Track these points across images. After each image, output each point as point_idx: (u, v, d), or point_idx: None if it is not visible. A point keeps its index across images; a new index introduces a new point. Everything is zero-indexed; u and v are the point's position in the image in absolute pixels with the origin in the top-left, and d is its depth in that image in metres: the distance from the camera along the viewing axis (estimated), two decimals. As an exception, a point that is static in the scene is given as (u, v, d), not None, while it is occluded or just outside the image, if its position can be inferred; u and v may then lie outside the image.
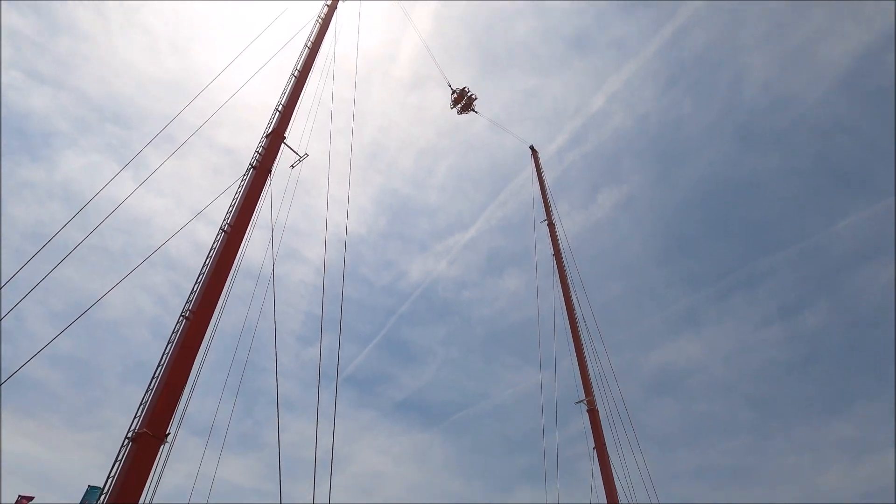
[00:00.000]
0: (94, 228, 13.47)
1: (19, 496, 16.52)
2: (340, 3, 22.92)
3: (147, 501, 11.25)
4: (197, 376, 13.18)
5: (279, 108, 17.67)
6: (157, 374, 12.08)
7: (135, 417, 11.63)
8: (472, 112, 35.20)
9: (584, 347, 29.15)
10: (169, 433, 11.62)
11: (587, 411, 26.28)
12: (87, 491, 15.71)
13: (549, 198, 35.13)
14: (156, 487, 11.83)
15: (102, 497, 10.68)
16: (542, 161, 38.30)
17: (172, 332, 12.86)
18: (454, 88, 34.49)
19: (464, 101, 34.57)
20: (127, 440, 11.28)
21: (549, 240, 33.74)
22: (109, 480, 10.88)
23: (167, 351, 12.50)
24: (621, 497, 24.09)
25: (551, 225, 33.88)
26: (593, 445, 25.37)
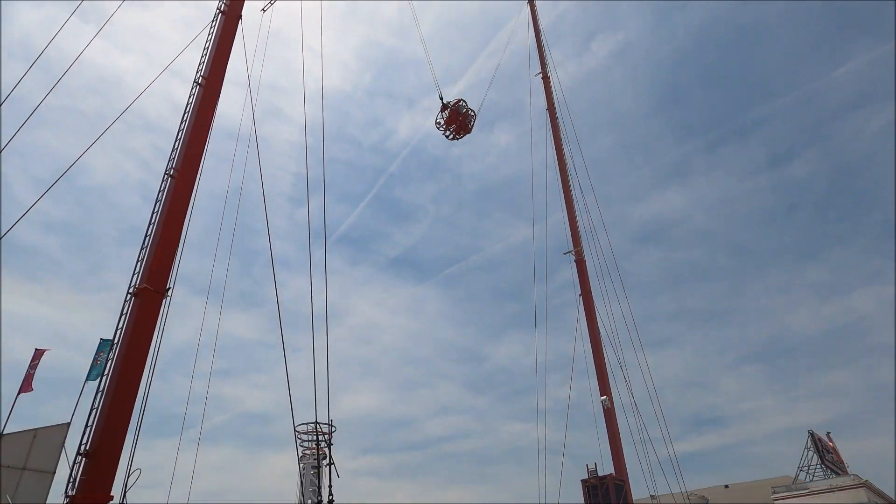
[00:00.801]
0: (58, 81, 12.80)
1: (36, 349, 17.41)
2: None
3: (155, 351, 11.91)
4: (186, 232, 13.32)
5: (245, -56, 15.94)
6: (149, 232, 12.18)
7: (134, 274, 11.91)
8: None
9: (575, 201, 29.51)
10: (169, 288, 11.98)
11: (575, 261, 27.27)
12: (99, 343, 16.50)
13: (545, 49, 33.42)
14: (161, 338, 12.47)
15: (114, 348, 11.26)
16: (536, 6, 35.86)
17: (159, 191, 12.78)
18: (445, 103, 24.15)
19: (458, 121, 24.19)
20: (129, 295, 11.64)
21: (541, 92, 32.67)
22: (118, 333, 11.40)
23: (156, 210, 12.49)
24: (604, 338, 25.80)
25: (546, 77, 32.60)
26: (580, 292, 26.67)
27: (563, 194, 29.16)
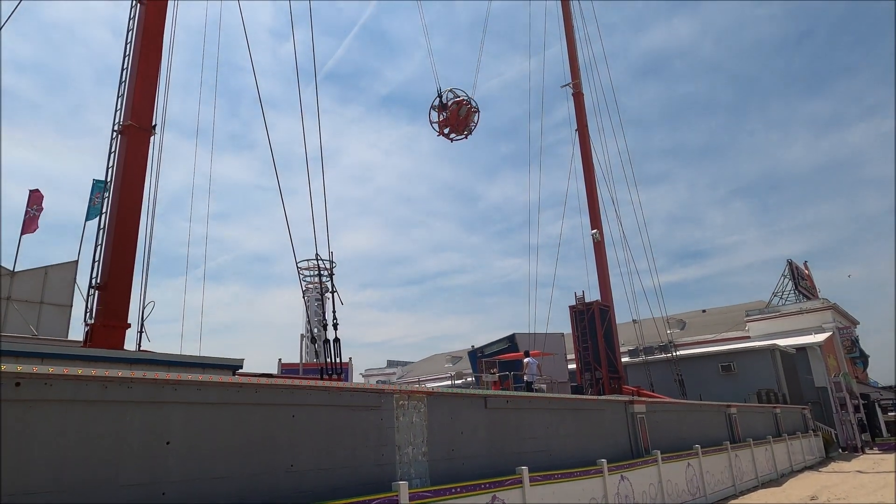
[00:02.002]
0: None
1: (30, 191, 17.47)
2: None
3: (151, 194, 11.95)
4: (169, 68, 12.66)
5: None
6: (125, 65, 11.55)
7: (116, 111, 11.52)
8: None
9: (575, 30, 27.78)
10: (156, 125, 11.66)
11: (573, 94, 26.39)
12: (93, 185, 16.53)
13: None
14: (157, 179, 12.45)
15: (108, 187, 11.24)
16: None
17: (130, 19, 11.90)
18: (444, 102, 19.72)
19: (456, 124, 19.89)
20: (115, 133, 11.36)
21: None
22: (109, 172, 11.31)
23: (129, 39, 11.72)
24: (598, 174, 25.89)
25: None
26: (576, 127, 26.19)
27: (562, 21, 27.34)
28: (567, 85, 26.56)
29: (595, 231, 24.62)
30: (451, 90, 19.86)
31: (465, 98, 19.89)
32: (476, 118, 20.12)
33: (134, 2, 11.94)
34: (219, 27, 16.21)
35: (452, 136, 20.34)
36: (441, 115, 19.92)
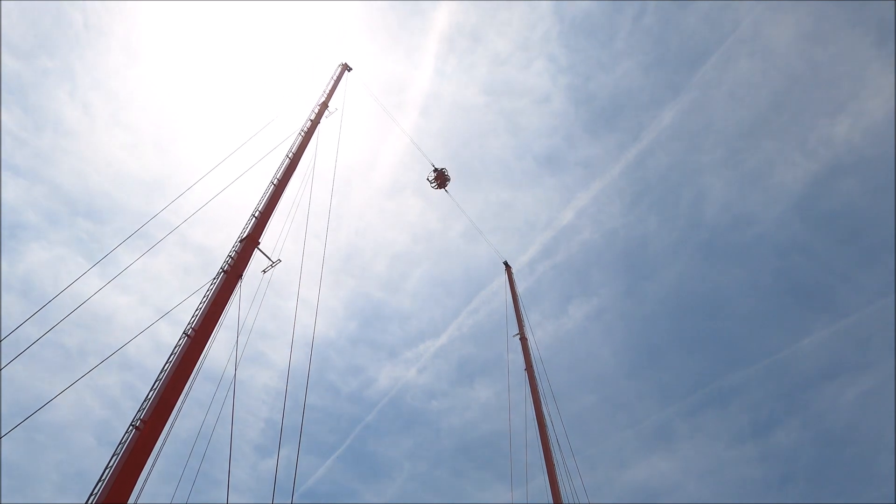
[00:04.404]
0: (52, 327, 12.95)
1: None
2: (324, 119, 24.09)
3: None
4: (141, 489, 12.21)
5: (255, 215, 17.84)
6: (96, 490, 11.11)
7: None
8: (443, 189, 40.26)
9: (556, 465, 28.10)
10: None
11: (559, 538, 24.82)
12: None
13: (522, 313, 35.30)
14: None
15: None
16: (514, 271, 39.00)
17: (119, 444, 12.01)
18: (435, 167, 38.77)
19: (441, 179, 39.39)
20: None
21: (521, 350, 33.51)
22: None
23: (111, 464, 11.59)
24: None
25: (523, 339, 33.75)
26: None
27: (544, 462, 27.85)
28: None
29: None
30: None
31: (439, 171, 38.15)
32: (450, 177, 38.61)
33: (130, 427, 12.29)
34: (207, 443, 16.35)
35: (440, 187, 38.66)
36: (434, 173, 38.14)
